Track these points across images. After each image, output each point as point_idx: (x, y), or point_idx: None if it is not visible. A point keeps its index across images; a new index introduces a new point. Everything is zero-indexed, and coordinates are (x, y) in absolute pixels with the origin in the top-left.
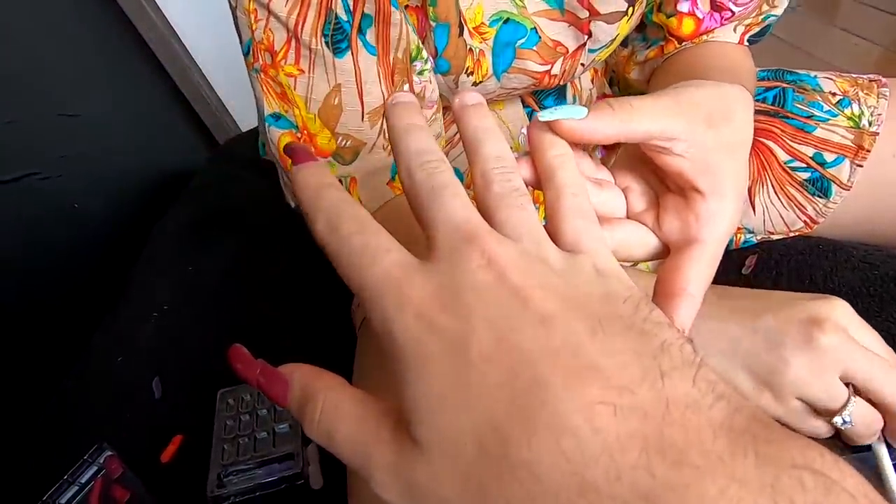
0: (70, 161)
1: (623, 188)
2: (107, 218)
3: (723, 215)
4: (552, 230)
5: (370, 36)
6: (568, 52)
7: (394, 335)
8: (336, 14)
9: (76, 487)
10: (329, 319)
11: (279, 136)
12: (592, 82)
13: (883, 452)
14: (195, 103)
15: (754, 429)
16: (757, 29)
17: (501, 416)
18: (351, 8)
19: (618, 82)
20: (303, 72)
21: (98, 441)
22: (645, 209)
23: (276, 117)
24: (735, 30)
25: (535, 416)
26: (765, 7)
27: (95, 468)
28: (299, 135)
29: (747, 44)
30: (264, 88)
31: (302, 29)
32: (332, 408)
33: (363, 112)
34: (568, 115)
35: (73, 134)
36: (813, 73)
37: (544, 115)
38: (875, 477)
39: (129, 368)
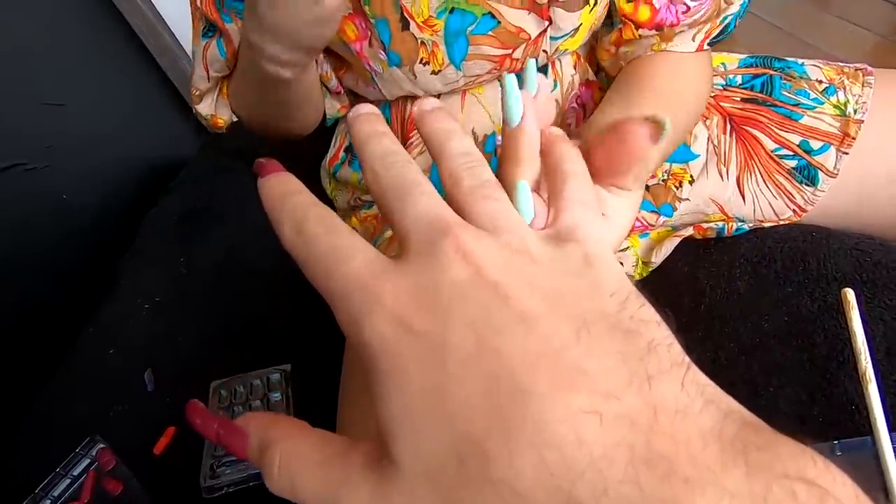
0: (57, 151)
1: None
2: (96, 208)
3: None
4: (552, 215)
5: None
6: (530, 38)
7: (366, 341)
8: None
9: (69, 480)
10: (322, 311)
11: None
12: (575, 68)
13: (885, 439)
14: (185, 92)
15: (745, 435)
16: (717, 32)
17: (481, 430)
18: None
19: (603, 70)
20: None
21: (90, 433)
22: None
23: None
24: (694, 38)
25: (517, 428)
26: (723, 5)
27: (88, 461)
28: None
29: (708, 47)
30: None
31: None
32: (291, 457)
33: (208, 75)
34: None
35: (60, 123)
36: (800, 61)
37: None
38: (862, 472)
39: (121, 361)
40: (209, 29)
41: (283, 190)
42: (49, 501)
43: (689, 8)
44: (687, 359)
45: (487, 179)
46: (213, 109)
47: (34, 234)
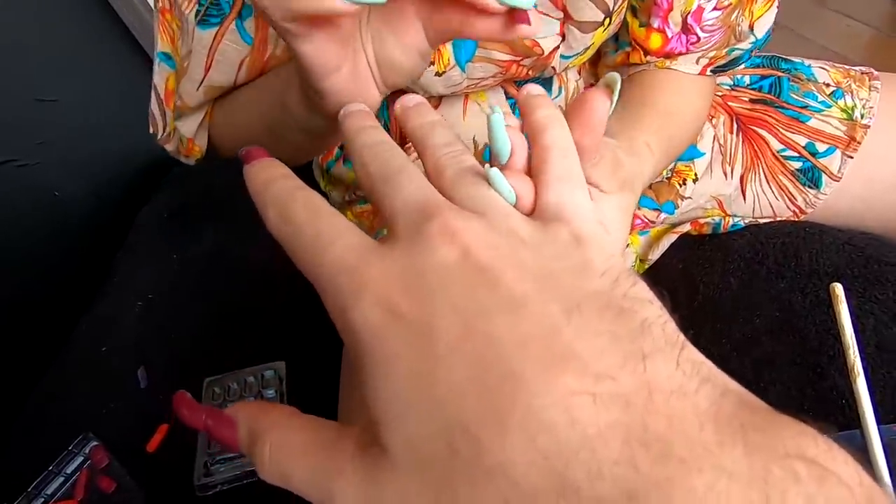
0: (49, 147)
1: None
2: (89, 205)
3: None
4: (537, 194)
5: (248, 25)
6: (543, 53)
7: (353, 327)
8: None
9: (62, 478)
10: (317, 307)
11: (167, 75)
12: (580, 73)
13: (873, 433)
14: None
15: (742, 415)
16: (722, 62)
17: (472, 416)
18: None
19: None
20: (178, 29)
21: (83, 431)
22: None
23: (167, 56)
24: (697, 62)
25: (508, 413)
26: (732, 40)
27: (81, 458)
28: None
29: (711, 73)
30: (160, 28)
31: None
32: (281, 446)
33: (202, 82)
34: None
35: (52, 120)
36: (807, 62)
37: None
38: (860, 455)
39: (114, 358)
40: (214, 10)
41: (267, 175)
42: (42, 499)
43: (699, 39)
44: (682, 337)
45: (472, 166)
46: (195, 133)
47: (26, 231)
